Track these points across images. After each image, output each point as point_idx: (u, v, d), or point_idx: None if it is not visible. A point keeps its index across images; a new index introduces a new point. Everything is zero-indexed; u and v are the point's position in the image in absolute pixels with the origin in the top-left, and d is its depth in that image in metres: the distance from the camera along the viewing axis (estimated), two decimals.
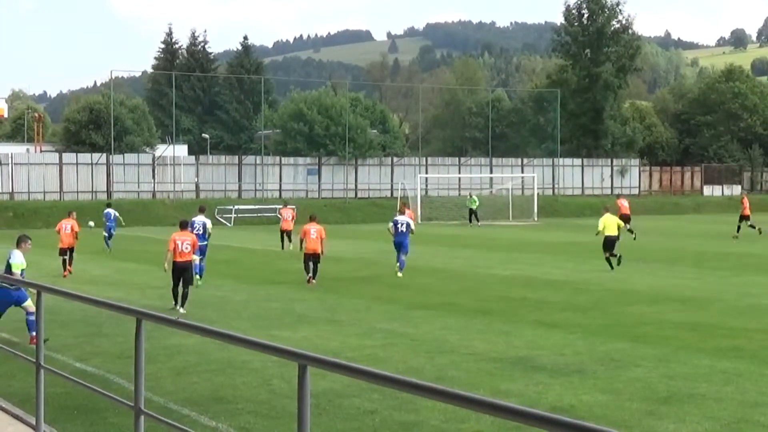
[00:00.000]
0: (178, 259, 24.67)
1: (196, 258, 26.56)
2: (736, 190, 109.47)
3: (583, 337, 20.07)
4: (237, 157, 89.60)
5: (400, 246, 33.89)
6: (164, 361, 17.22)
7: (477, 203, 71.49)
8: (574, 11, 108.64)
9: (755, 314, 23.49)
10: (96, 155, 79.73)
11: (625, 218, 51.59)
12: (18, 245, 19.97)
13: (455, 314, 23.60)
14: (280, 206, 55.81)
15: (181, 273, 24.69)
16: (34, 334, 17.94)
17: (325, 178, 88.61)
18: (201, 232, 31.45)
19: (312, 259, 30.98)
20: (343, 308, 24.75)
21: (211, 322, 21.03)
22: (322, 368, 6.03)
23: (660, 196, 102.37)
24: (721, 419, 13.35)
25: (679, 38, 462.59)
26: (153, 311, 8.39)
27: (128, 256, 41.43)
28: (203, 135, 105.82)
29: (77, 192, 77.36)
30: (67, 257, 34.67)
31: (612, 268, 34.98)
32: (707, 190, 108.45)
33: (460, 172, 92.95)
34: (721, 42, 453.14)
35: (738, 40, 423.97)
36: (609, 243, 35.95)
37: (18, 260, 19.38)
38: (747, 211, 56.00)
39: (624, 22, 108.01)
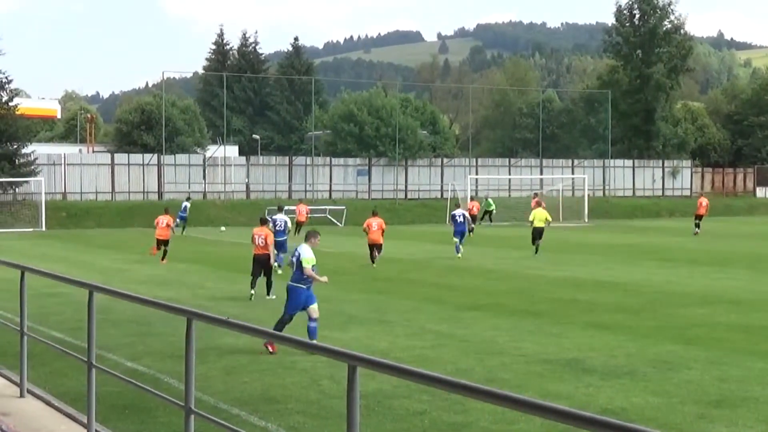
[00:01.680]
0: (256, 252, 27.38)
1: (273, 251, 28.40)
2: None
3: (634, 339, 19.94)
4: (287, 157, 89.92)
5: (461, 234, 41.89)
6: (214, 361, 17.29)
7: (493, 206, 71.17)
8: (625, 11, 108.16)
9: None
10: (147, 156, 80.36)
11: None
12: (307, 240, 19.61)
13: (505, 315, 23.54)
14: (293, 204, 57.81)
15: (260, 264, 27.25)
16: (315, 341, 18.30)
17: (375, 178, 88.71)
18: (282, 228, 35.33)
19: (375, 247, 36.99)
20: (392, 309, 24.75)
21: (262, 322, 21.08)
22: (371, 369, 6.04)
23: (712, 198, 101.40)
24: None
25: (732, 38, 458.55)
26: (203, 311, 8.43)
27: (179, 256, 41.64)
28: (254, 136, 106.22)
29: (129, 192, 78.00)
30: (166, 247, 39.48)
31: (536, 253, 41.89)
32: (760, 192, 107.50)
33: (510, 173, 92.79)
34: None
35: None
36: (536, 232, 43.06)
37: (308, 255, 18.92)
38: (702, 211, 59.01)
39: (676, 22, 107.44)
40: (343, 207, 73.96)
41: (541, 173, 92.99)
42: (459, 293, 28.28)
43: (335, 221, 71.79)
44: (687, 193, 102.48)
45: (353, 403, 5.92)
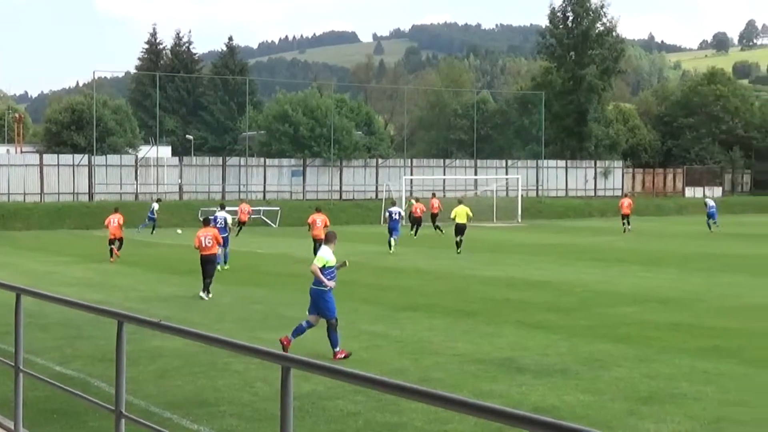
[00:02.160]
0: (203, 253, 27.74)
1: (218, 250, 29.18)
2: (717, 191, 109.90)
3: (566, 338, 20.10)
4: (221, 158, 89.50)
5: (394, 231, 45.09)
6: (146, 364, 17.17)
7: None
8: (559, 14, 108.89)
9: (736, 314, 23.59)
10: (78, 156, 79.46)
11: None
12: (328, 242, 19.40)
13: (440, 315, 23.63)
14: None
15: (206, 264, 27.64)
16: (338, 349, 18.29)
17: (309, 179, 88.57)
18: (222, 225, 35.87)
19: (318, 243, 35.52)
20: None
21: (194, 324, 20.96)
22: (305, 370, 6.01)
23: (643, 198, 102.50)
24: (701, 418, 13.40)
25: (662, 41, 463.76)
26: (135, 313, 8.36)
27: (109, 257, 41.34)
28: (187, 136, 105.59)
29: (58, 193, 77.10)
30: (115, 246, 40.64)
31: (458, 250, 43.51)
32: (689, 192, 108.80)
33: (445, 174, 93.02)
34: (704, 45, 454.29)
35: (720, 43, 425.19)
36: (459, 229, 44.73)
37: (323, 255, 18.85)
38: (626, 210, 61.32)
39: (608, 24, 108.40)
40: (278, 208, 73.74)
41: (476, 174, 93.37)
42: (394, 294, 28.34)
43: (269, 222, 71.57)
44: (618, 193, 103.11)
45: (287, 405, 5.90)
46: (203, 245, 27.69)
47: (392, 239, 45.02)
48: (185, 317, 23.13)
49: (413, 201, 58.71)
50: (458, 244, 44.32)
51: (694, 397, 14.66)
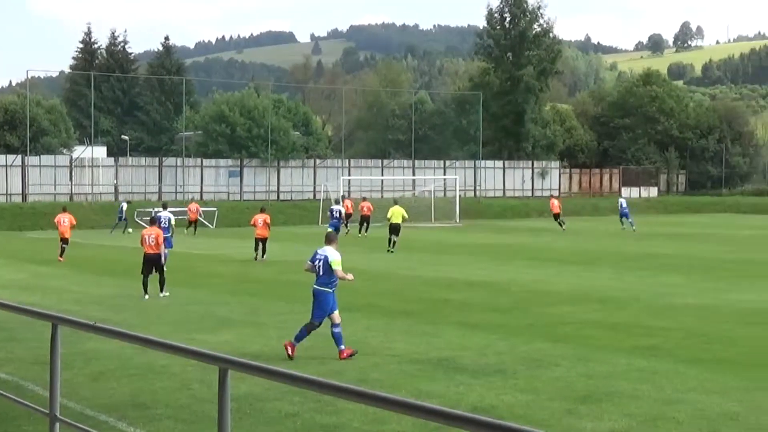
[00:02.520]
0: (147, 252, 27.86)
1: (165, 249, 29.30)
2: (653, 191, 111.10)
3: (505, 338, 20.19)
4: (157, 158, 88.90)
5: (335, 228, 46.45)
6: (81, 367, 16.99)
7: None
8: (496, 15, 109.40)
9: (671, 313, 23.84)
10: (11, 157, 78.47)
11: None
12: (330, 242, 19.25)
13: (378, 316, 23.64)
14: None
15: (152, 264, 27.84)
16: (343, 347, 18.17)
17: (246, 180, 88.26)
18: (166, 225, 36.27)
19: (261, 242, 40.25)
20: (265, 311, 24.65)
21: (131, 326, 20.80)
22: (242, 371, 5.98)
23: (580, 198, 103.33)
24: (637, 416, 13.52)
25: (598, 42, 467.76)
26: (69, 316, 8.26)
27: (45, 259, 40.95)
28: (123, 136, 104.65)
29: None
30: (66, 245, 41.39)
31: (391, 249, 45.41)
32: (625, 192, 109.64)
33: (383, 174, 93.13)
34: (639, 46, 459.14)
35: (655, 44, 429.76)
36: (393, 229, 46.44)
37: (336, 257, 18.73)
38: (556, 210, 64.13)
39: (545, 25, 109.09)
40: (215, 209, 73.38)
41: (414, 174, 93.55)
42: None
43: (207, 223, 71.19)
44: (556, 193, 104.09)
45: (224, 407, 5.86)
46: (147, 244, 27.96)
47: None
48: (121, 319, 22.94)
49: (344, 199, 59.91)
50: (392, 243, 45.96)
51: (630, 395, 14.79)
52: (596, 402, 14.38)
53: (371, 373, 16.66)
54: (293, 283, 31.23)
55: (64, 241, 41.44)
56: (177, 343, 6.74)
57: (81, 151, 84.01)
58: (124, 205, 64.45)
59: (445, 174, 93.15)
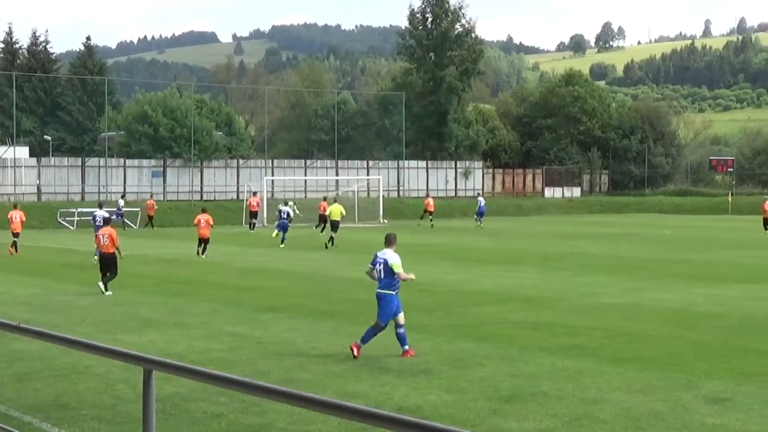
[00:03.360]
0: (102, 251, 29.12)
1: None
2: (576, 191, 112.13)
3: (429, 338, 20.27)
4: (80, 159, 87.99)
5: (282, 227, 50.32)
6: (5, 368, 16.83)
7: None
8: (418, 15, 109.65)
9: (595, 313, 24.07)
10: None
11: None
12: (390, 244, 19.54)
13: (302, 316, 23.63)
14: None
15: (105, 262, 28.89)
16: (407, 347, 18.20)
17: (170, 180, 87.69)
18: (100, 224, 35.99)
19: (203, 241, 42.25)
20: (189, 312, 24.53)
21: (55, 327, 20.60)
22: (167, 372, 5.98)
23: (503, 198, 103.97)
24: (562, 416, 13.61)
25: (520, 43, 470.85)
26: None
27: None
28: (45, 137, 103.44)
29: None
30: (17, 240, 45.01)
31: (332, 244, 47.84)
32: (548, 192, 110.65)
33: (306, 175, 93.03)
34: (561, 47, 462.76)
35: (577, 45, 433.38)
36: (333, 225, 49.83)
37: (397, 260, 19.03)
38: (431, 208, 71.02)
39: (467, 26, 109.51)
40: (138, 209, 72.84)
41: (337, 174, 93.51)
42: (257, 295, 28.25)
43: (130, 223, 70.67)
44: (479, 193, 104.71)
45: (149, 407, 5.86)
46: (101, 243, 29.08)
47: (284, 236, 49.79)
48: (45, 319, 22.71)
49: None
50: (331, 240, 48.67)
51: (555, 395, 14.90)
52: (521, 402, 14.47)
53: (296, 373, 16.66)
54: (217, 283, 31.12)
55: (16, 235, 45.27)
56: (101, 343, 6.72)
57: (3, 152, 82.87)
58: (121, 202, 68.81)
59: (368, 174, 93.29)
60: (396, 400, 14.56)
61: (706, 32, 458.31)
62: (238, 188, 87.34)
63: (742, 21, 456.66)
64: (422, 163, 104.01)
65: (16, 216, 46.15)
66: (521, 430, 12.97)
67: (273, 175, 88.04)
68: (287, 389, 5.21)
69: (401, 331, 18.48)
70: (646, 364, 17.38)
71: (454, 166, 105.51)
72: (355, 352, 18.11)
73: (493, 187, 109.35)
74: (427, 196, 79.36)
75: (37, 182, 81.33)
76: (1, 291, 29.73)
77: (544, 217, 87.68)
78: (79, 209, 71.74)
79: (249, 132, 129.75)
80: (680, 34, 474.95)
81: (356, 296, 27.77)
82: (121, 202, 69.64)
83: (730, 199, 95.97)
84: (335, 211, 50.42)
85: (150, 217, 68.93)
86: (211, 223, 43.16)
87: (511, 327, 21.87)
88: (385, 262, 18.92)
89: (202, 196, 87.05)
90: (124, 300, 27.21)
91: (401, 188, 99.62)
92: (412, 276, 19.37)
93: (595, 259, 40.66)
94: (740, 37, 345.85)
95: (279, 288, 30.33)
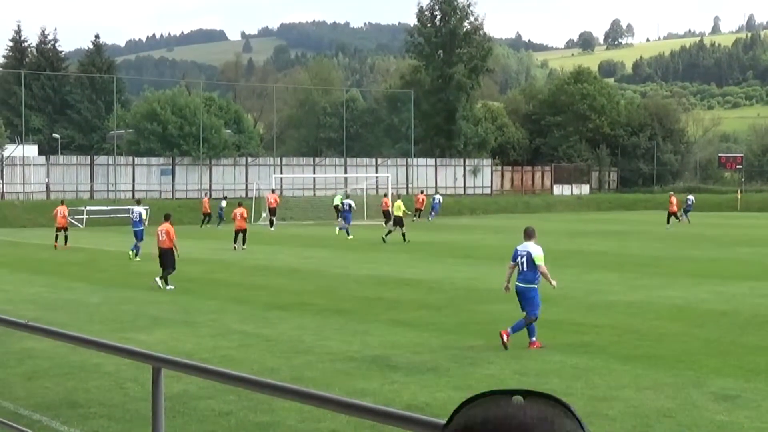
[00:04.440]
0: (160, 246, 30.46)
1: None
2: (585, 189, 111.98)
3: (438, 336, 20.26)
4: (89, 157, 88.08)
5: (346, 219, 54.94)
6: (14, 366, 16.86)
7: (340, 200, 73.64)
8: (426, 12, 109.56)
9: (604, 310, 24.04)
10: None
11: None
12: (530, 237, 19.63)
13: (310, 314, 23.62)
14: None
15: (161, 257, 30.26)
16: (534, 339, 18.66)
17: (179, 178, 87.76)
18: (137, 219, 41.67)
19: (241, 232, 44.93)
20: (197, 310, 24.55)
21: (63, 325, 20.62)
22: (176, 370, 5.98)
23: (512, 196, 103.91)
24: None
25: (529, 40, 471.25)
26: (1, 315, 8.20)
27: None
28: (54, 135, 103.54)
29: None
30: (61, 234, 47.40)
31: (405, 240, 49.48)
32: (557, 190, 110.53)
33: (314, 172, 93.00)
34: (570, 44, 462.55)
35: (586, 42, 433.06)
36: (397, 221, 51.22)
37: (540, 252, 19.20)
38: (420, 205, 74.29)
39: (475, 23, 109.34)
40: (147, 207, 72.86)
41: (346, 172, 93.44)
42: (265, 293, 28.25)
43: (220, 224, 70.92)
44: (488, 191, 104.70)
45: (158, 406, 5.86)
46: (159, 239, 30.50)
47: (347, 227, 54.24)
48: (53, 318, 22.75)
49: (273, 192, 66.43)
50: (404, 236, 50.21)
51: (563, 392, 14.86)
52: None
53: (305, 371, 16.66)
54: (225, 281, 31.14)
55: (59, 230, 47.81)
56: (110, 342, 6.73)
57: (12, 150, 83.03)
58: (223, 203, 70.98)
59: (377, 172, 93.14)
60: (405, 398, 14.57)
61: (715, 29, 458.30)
62: (246, 186, 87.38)
63: (751, 18, 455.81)
64: (431, 161, 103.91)
65: (61, 211, 48.63)
66: None
67: (282, 172, 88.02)
68: (296, 387, 5.21)
69: (532, 324, 18.92)
70: (655, 362, 17.37)
71: (462, 163, 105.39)
72: (504, 339, 18.56)
73: (501, 185, 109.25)
74: (421, 192, 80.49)
75: (46, 180, 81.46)
76: (8, 289, 29.78)
77: (553, 215, 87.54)
78: (88, 207, 71.85)
79: (258, 130, 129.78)
80: (689, 31, 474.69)
81: (364, 294, 27.77)
82: (223, 203, 71.11)
83: (739, 197, 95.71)
84: (398, 207, 52.32)
85: (207, 215, 69.35)
86: (246, 216, 45.84)
87: None
88: (529, 255, 19.18)
89: (210, 194, 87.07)
90: (132, 298, 27.24)
91: (410, 186, 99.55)
92: (553, 282, 19.68)
93: (604, 257, 40.61)
94: (749, 34, 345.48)
95: (286, 286, 30.33)
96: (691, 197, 76.20)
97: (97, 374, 16.21)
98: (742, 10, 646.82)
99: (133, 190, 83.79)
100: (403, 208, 52.67)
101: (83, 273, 34.95)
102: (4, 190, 78.53)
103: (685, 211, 71.41)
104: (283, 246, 47.66)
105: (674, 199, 65.96)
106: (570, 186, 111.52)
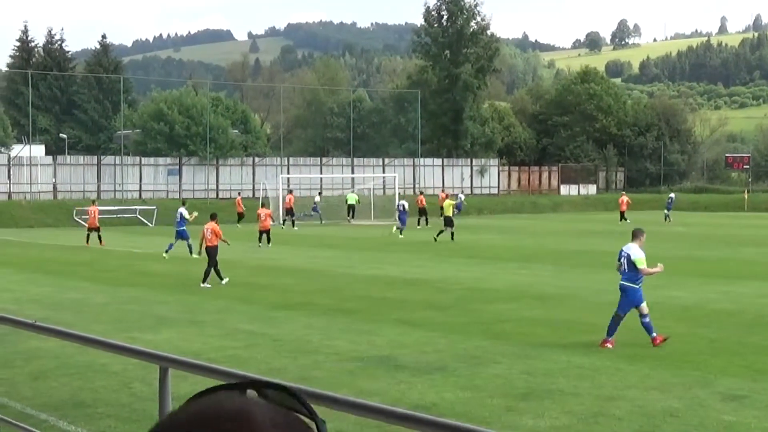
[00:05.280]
0: (207, 245, 31.55)
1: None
2: (592, 189, 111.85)
3: (444, 336, 20.26)
4: (96, 157, 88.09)
5: (402, 220, 56.41)
6: (21, 366, 16.85)
7: (354, 200, 74.45)
8: (433, 12, 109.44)
9: (611, 311, 23.86)
10: None
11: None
12: (635, 238, 20.01)
13: (317, 314, 23.62)
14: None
15: (208, 255, 31.23)
16: (655, 335, 18.83)
17: (185, 178, 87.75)
18: (179, 219, 42.22)
19: (265, 233, 46.17)
20: (204, 309, 24.57)
21: (70, 325, 20.63)
22: (183, 370, 6.00)
23: (518, 196, 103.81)
24: (578, 413, 13.61)
25: (536, 40, 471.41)
26: (8, 315, 8.21)
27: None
28: (61, 135, 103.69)
29: None
30: (96, 233, 48.55)
31: (452, 239, 50.41)
32: (564, 190, 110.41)
33: (321, 173, 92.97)
34: (577, 44, 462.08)
35: (593, 42, 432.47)
36: (447, 221, 52.03)
37: (640, 255, 19.43)
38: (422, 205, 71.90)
39: (482, 23, 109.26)
40: (154, 207, 72.97)
41: (353, 172, 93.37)
42: (271, 293, 28.26)
43: (145, 221, 70.82)
44: (495, 191, 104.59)
45: (165, 406, 5.87)
46: (205, 237, 31.63)
47: (402, 228, 55.89)
48: (59, 318, 22.76)
49: (290, 193, 67.10)
50: (452, 235, 51.49)
51: (571, 392, 14.89)
52: (537, 399, 14.46)
53: (312, 371, 16.67)
54: (230, 281, 31.12)
55: (90, 230, 49.17)
56: (117, 341, 6.74)
57: (19, 150, 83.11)
58: (317, 198, 74.50)
59: (384, 172, 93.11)
60: (412, 398, 14.57)
61: (722, 29, 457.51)
62: (253, 186, 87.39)
63: (757, 18, 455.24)
64: (438, 161, 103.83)
65: (92, 212, 50.43)
66: (537, 427, 12.97)
67: (289, 173, 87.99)
68: (303, 387, 5.22)
69: (646, 320, 19.18)
70: (662, 362, 17.37)
71: (469, 163, 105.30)
72: (610, 346, 18.75)
73: (509, 185, 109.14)
74: (421, 193, 79.19)
75: (53, 180, 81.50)
76: (14, 289, 29.80)
77: (560, 215, 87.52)
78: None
79: (264, 130, 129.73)
80: (696, 31, 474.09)
81: (371, 294, 27.78)
82: (318, 198, 74.44)
83: (746, 197, 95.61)
84: (447, 207, 53.53)
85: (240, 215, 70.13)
86: (271, 215, 48.70)
87: (526, 324, 21.85)
88: (628, 257, 19.58)
89: (218, 194, 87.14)
90: (138, 298, 27.26)
91: (417, 186, 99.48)
92: (658, 269, 20.01)
93: (611, 257, 40.35)
94: (756, 34, 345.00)
95: (292, 286, 30.34)
96: (672, 195, 78.87)
97: (103, 374, 16.22)
98: (748, 10, 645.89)
99: (140, 190, 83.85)
100: (452, 207, 53.93)
101: (89, 273, 34.96)
102: (11, 190, 78.58)
103: (667, 208, 73.98)
104: (290, 246, 47.67)
105: (624, 199, 72.41)
106: (577, 186, 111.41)
